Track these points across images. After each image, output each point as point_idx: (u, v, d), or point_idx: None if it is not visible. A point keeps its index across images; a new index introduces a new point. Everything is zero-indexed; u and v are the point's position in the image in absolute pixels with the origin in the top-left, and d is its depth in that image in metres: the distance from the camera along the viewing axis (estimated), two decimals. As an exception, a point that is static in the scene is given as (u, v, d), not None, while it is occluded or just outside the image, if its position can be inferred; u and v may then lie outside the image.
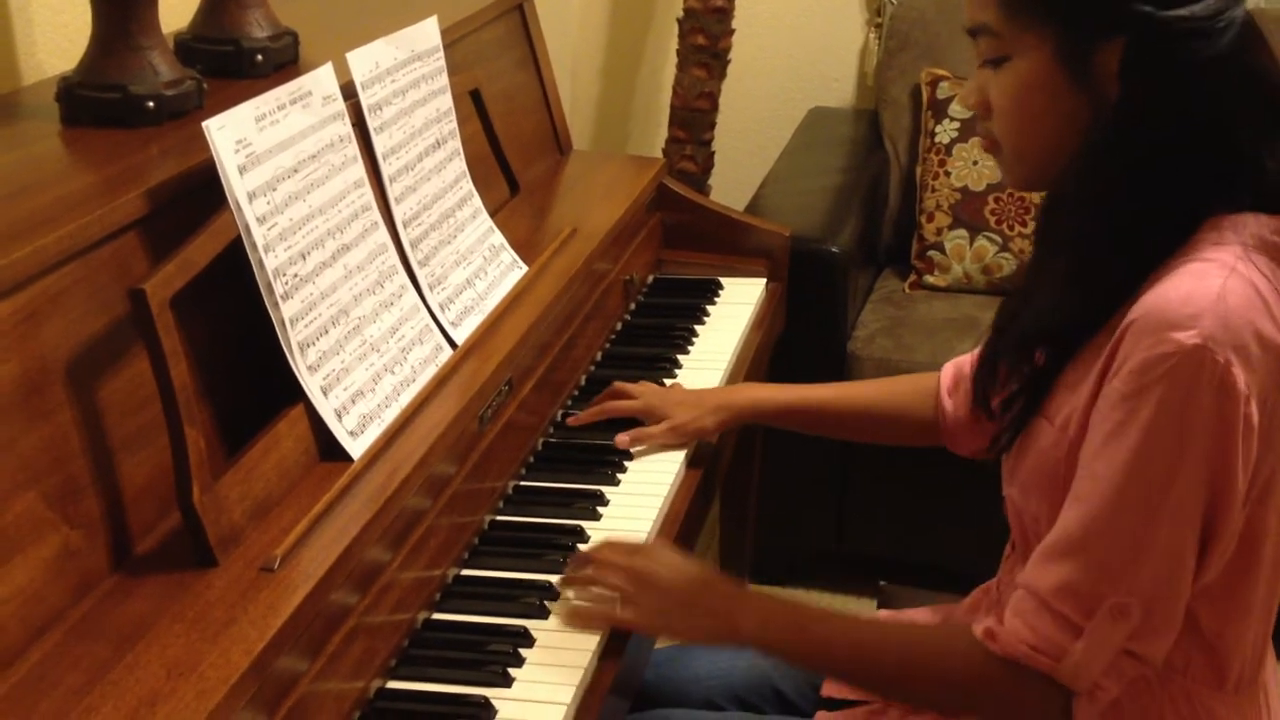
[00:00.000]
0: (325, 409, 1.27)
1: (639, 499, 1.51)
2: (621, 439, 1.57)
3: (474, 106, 1.76)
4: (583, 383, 1.74)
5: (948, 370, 1.52)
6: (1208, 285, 1.08)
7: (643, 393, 1.63)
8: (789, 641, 1.24)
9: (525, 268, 1.68)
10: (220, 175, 1.19)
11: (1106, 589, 1.10)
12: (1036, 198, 2.66)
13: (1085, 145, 1.16)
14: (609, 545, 1.34)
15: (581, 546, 1.41)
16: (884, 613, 1.51)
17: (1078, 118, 1.16)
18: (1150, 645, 1.12)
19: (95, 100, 1.36)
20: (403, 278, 1.45)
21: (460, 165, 1.66)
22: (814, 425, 1.61)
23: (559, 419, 1.65)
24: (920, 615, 1.45)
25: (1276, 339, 1.09)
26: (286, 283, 1.25)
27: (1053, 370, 1.20)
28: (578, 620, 1.27)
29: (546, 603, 1.32)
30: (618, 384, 1.64)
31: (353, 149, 1.39)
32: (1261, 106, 1.15)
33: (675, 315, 1.94)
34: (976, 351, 1.36)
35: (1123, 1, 1.13)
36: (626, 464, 1.58)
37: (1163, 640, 1.12)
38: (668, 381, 1.76)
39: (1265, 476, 1.12)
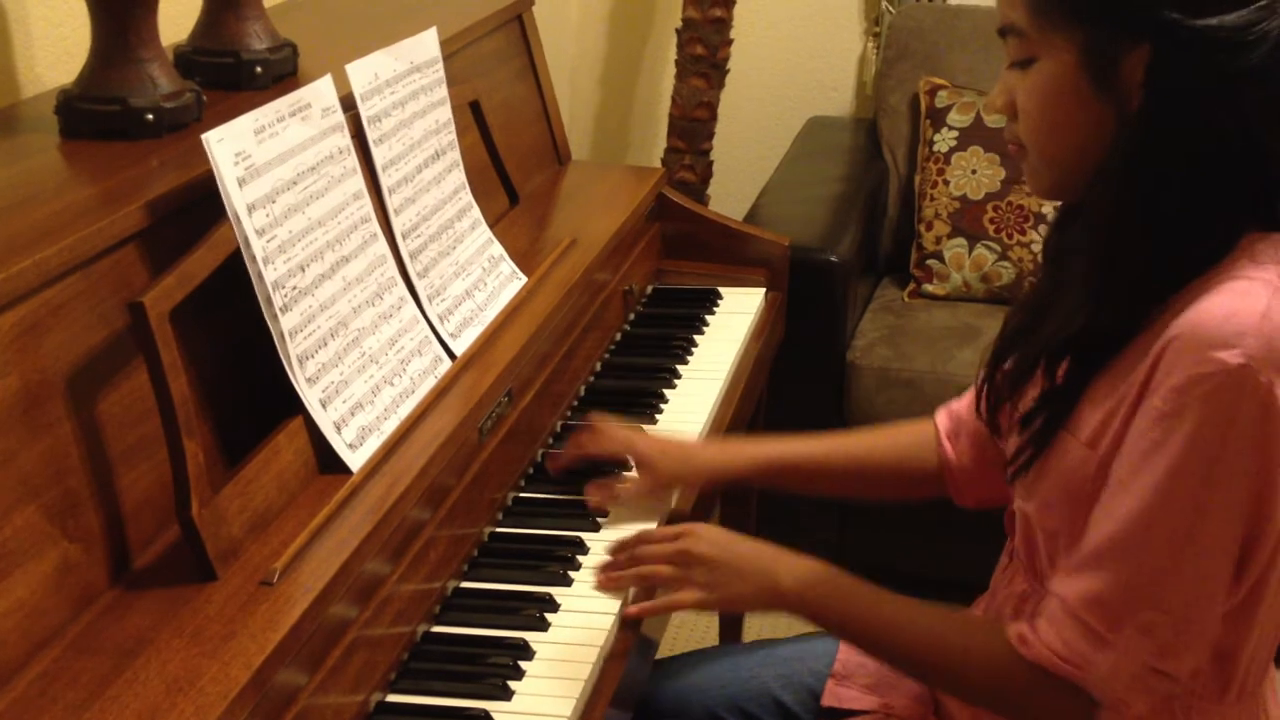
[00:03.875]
0: (324, 421, 1.26)
1: (640, 510, 1.51)
2: (592, 497, 1.48)
3: (473, 117, 1.76)
4: (582, 393, 1.74)
5: (942, 416, 1.47)
6: (1252, 304, 1.07)
7: (624, 437, 1.53)
8: (828, 606, 1.26)
9: (525, 278, 1.68)
10: (219, 188, 1.19)
11: (1135, 604, 1.09)
12: (1037, 206, 2.66)
13: (1109, 155, 1.13)
14: (648, 535, 1.35)
15: (581, 559, 1.41)
16: None
17: (1102, 126, 1.13)
18: (1179, 664, 1.11)
19: (95, 113, 1.36)
20: (402, 289, 1.45)
21: (459, 176, 1.66)
22: (811, 481, 1.54)
23: (558, 430, 1.65)
24: None
25: None
26: (286, 295, 1.25)
27: (1078, 384, 1.17)
28: (645, 613, 1.31)
29: (546, 615, 1.32)
30: (597, 423, 1.54)
31: (352, 161, 1.39)
32: None
33: (675, 325, 1.94)
34: (970, 391, 1.33)
35: (1150, 6, 1.09)
36: (626, 474, 1.57)
37: (1191, 659, 1.11)
38: (667, 392, 1.76)
39: None
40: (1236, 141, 1.10)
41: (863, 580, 1.28)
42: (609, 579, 1.34)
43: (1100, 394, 1.16)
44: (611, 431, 1.53)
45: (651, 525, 1.49)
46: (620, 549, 1.36)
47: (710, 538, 1.33)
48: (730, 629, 2.33)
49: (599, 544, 1.45)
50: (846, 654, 1.47)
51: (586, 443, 1.53)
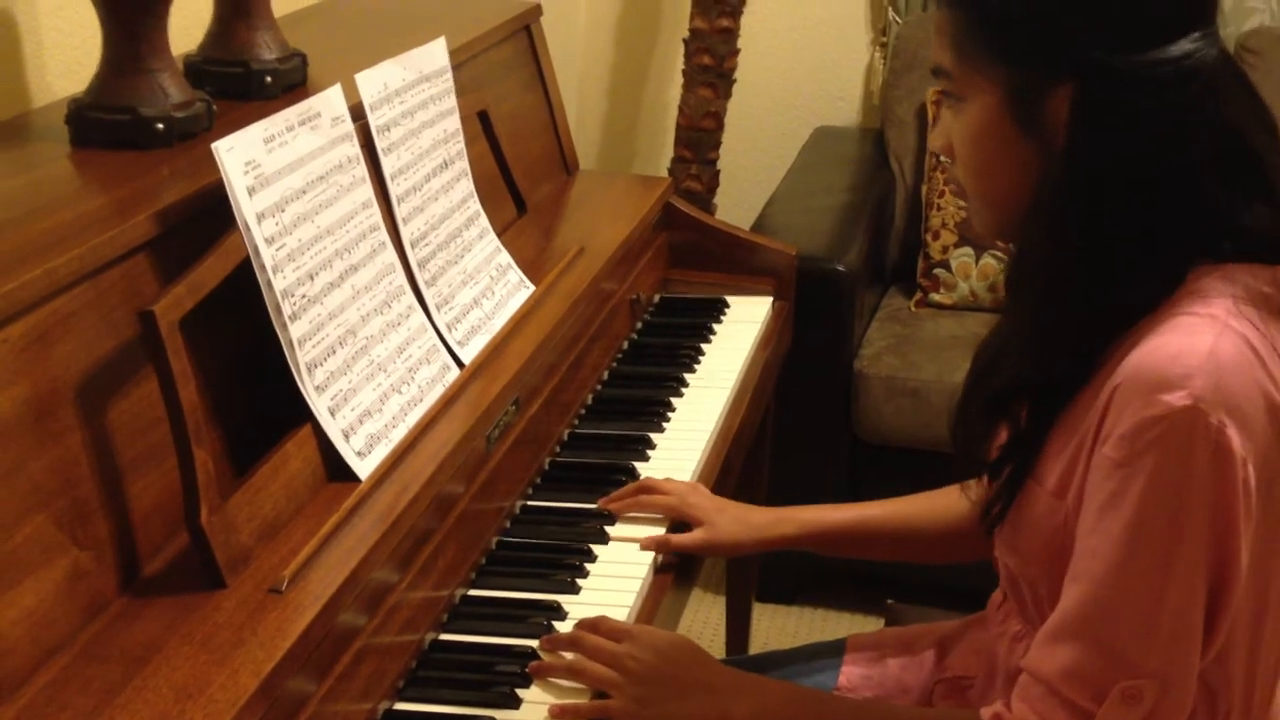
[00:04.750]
0: (333, 429, 1.27)
1: (645, 520, 1.51)
2: (647, 544, 1.45)
3: (481, 127, 1.77)
4: (589, 402, 1.74)
5: None
6: (1198, 343, 1.02)
7: (676, 490, 1.51)
8: None
9: (532, 287, 1.69)
10: (229, 196, 1.20)
11: (1116, 672, 1.04)
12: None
13: (1037, 195, 1.10)
14: (590, 630, 1.27)
15: (589, 567, 1.42)
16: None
17: (1032, 166, 1.10)
18: None
19: (105, 122, 1.37)
20: (410, 298, 1.46)
21: (468, 185, 1.66)
22: (867, 547, 1.49)
23: (565, 439, 1.66)
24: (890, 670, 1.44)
25: (1275, 397, 1.04)
26: (295, 303, 1.25)
27: (1038, 432, 1.14)
28: (568, 716, 1.20)
29: (554, 623, 1.32)
30: (648, 479, 1.53)
31: (361, 170, 1.39)
32: (1230, 161, 1.07)
33: (682, 334, 1.95)
34: None
35: (1070, 44, 1.07)
36: (650, 497, 1.57)
37: (1178, 718, 1.06)
38: (675, 401, 1.76)
39: (1266, 537, 1.06)
40: (1167, 179, 1.07)
41: (827, 695, 1.23)
42: (538, 666, 1.24)
43: (1060, 442, 1.13)
44: (666, 487, 1.51)
45: (659, 531, 1.48)
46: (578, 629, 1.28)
47: (658, 647, 1.24)
48: (737, 640, 2.33)
49: (607, 553, 1.45)
50: (851, 668, 1.47)
51: (641, 503, 1.50)
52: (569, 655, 1.26)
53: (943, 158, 1.19)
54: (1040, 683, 1.08)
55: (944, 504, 1.44)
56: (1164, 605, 1.03)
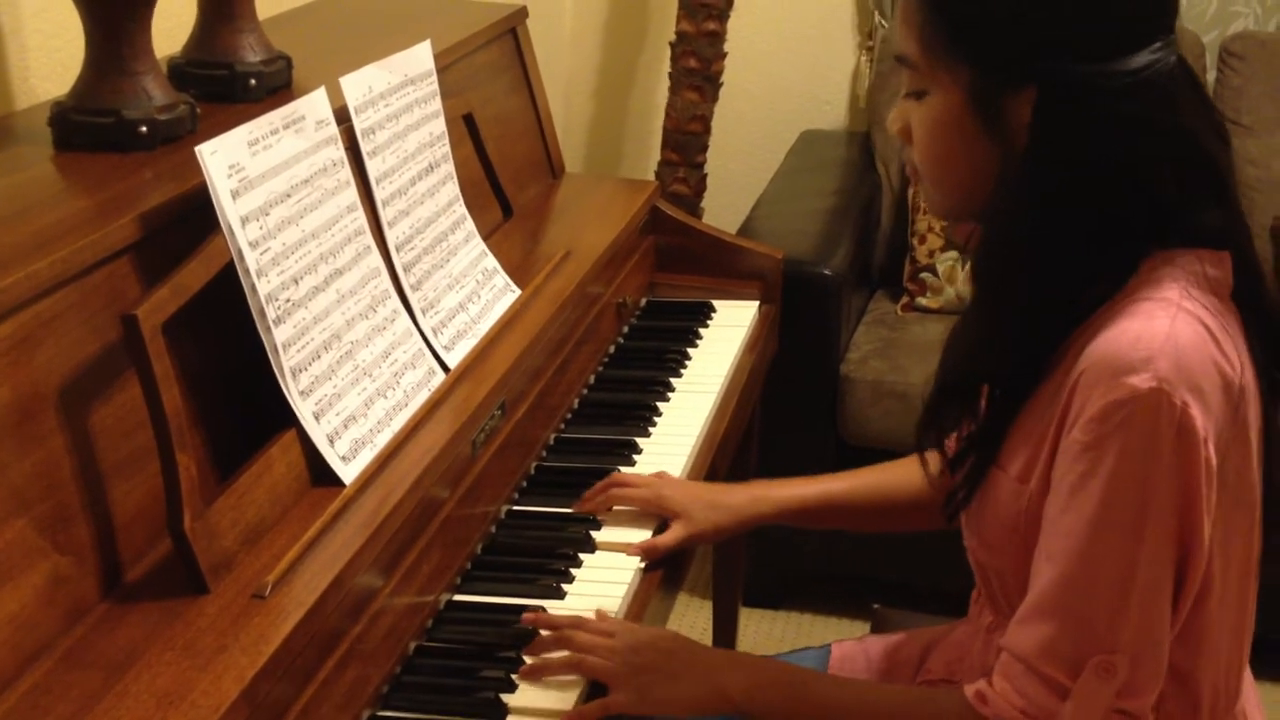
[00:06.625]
0: (317, 434, 1.26)
1: (630, 525, 1.51)
2: (634, 552, 1.44)
3: (467, 130, 1.77)
4: (575, 406, 1.73)
5: None
6: (1156, 326, 1.07)
7: (650, 483, 1.52)
8: (781, 700, 1.22)
9: (518, 291, 1.68)
10: (213, 200, 1.19)
11: (1090, 647, 1.08)
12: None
13: (995, 193, 1.14)
14: (577, 626, 1.28)
15: (575, 571, 1.41)
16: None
17: (990, 162, 1.14)
18: (1142, 700, 1.09)
19: (88, 125, 1.36)
20: (395, 302, 1.45)
21: (453, 189, 1.66)
22: (842, 519, 1.52)
23: (552, 443, 1.65)
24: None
25: (1229, 375, 1.08)
26: (279, 307, 1.25)
27: (1002, 420, 1.17)
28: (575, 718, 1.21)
29: (541, 631, 1.31)
30: (619, 474, 1.54)
31: (345, 173, 1.39)
32: (1184, 165, 1.11)
33: (668, 338, 1.94)
34: None
35: (1035, 50, 1.10)
36: (634, 491, 1.57)
37: (1151, 693, 1.10)
38: (661, 405, 1.76)
39: (1221, 515, 1.09)
40: (1127, 179, 1.10)
41: (815, 673, 1.26)
42: (534, 667, 1.25)
43: (1024, 429, 1.16)
44: (636, 481, 1.52)
45: (646, 533, 1.48)
46: (553, 627, 1.29)
47: (646, 637, 1.26)
48: (724, 644, 2.33)
49: (593, 558, 1.45)
50: (839, 666, 1.47)
51: (614, 496, 1.51)
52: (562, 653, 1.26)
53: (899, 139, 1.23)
54: (1019, 660, 1.11)
55: (917, 471, 1.44)
56: (1134, 581, 1.07)
